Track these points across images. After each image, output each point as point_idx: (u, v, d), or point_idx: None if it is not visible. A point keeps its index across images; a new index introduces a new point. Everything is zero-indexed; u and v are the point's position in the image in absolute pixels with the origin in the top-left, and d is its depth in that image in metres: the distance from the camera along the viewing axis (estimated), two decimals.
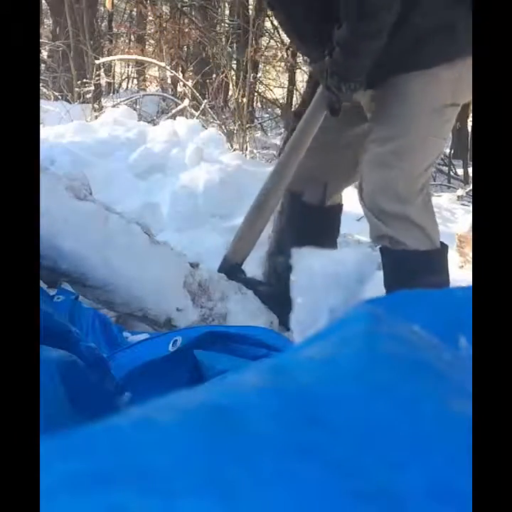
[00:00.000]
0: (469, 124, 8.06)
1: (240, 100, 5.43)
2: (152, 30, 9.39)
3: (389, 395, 0.26)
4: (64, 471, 0.21)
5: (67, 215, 1.43)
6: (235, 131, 5.35)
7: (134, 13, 10.56)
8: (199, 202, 2.68)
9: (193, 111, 5.09)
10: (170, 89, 8.35)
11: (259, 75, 7.96)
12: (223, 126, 5.42)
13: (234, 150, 4.35)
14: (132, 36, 10.15)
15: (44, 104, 5.14)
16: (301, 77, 7.56)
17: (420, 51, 1.51)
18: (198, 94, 5.45)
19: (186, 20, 8.40)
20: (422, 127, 1.57)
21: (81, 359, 0.93)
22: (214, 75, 6.59)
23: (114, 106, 5.18)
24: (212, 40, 6.69)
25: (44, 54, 8.00)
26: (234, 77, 6.23)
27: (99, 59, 5.80)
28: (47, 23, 9.45)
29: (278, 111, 8.08)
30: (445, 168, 7.30)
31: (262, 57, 7.52)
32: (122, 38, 10.42)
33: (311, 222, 1.86)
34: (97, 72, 5.69)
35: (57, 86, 6.88)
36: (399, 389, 0.27)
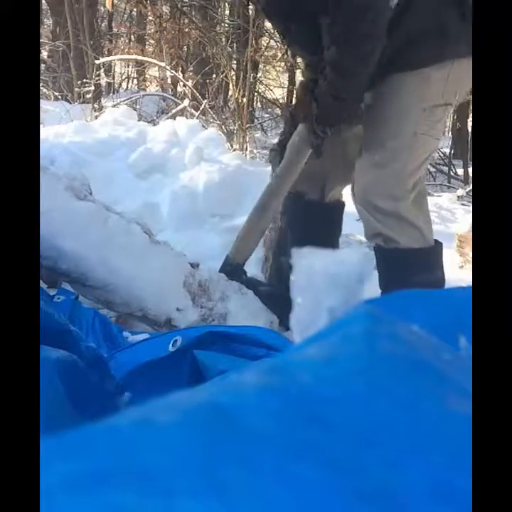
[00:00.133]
0: (469, 124, 8.06)
1: (239, 100, 5.43)
2: (152, 30, 9.39)
3: (389, 395, 0.26)
4: (64, 471, 0.21)
5: (67, 215, 1.43)
6: (235, 131, 5.35)
7: (134, 13, 10.57)
8: (199, 202, 2.68)
9: (193, 111, 5.09)
10: (170, 89, 8.35)
11: (259, 75, 7.97)
12: (223, 126, 5.43)
13: (234, 150, 4.35)
14: (132, 36, 10.16)
15: (44, 104, 5.14)
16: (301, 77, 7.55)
17: (412, 52, 1.53)
18: (198, 94, 5.45)
19: (186, 20, 8.41)
20: (413, 127, 1.59)
21: (81, 359, 0.93)
22: (214, 75, 6.60)
23: (114, 106, 5.18)
24: (212, 40, 6.69)
25: (44, 54, 8.00)
26: (234, 77, 6.23)
27: (99, 59, 5.80)
28: (47, 23, 9.46)
29: (278, 111, 8.08)
30: (445, 168, 7.30)
31: (262, 57, 7.53)
32: (122, 38, 10.43)
33: (313, 220, 1.88)
34: (97, 72, 5.69)
35: (57, 86, 6.88)
36: (399, 389, 0.27)
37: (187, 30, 8.08)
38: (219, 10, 8.39)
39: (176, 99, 6.10)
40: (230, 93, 6.75)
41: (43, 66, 7.13)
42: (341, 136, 1.69)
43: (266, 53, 7.81)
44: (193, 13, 8.49)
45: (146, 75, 9.50)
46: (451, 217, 4.12)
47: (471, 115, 7.22)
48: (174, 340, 1.10)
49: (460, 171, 7.22)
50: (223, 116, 6.03)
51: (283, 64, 8.20)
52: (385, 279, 1.66)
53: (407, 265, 1.64)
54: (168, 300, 1.54)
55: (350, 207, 2.00)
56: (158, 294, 1.52)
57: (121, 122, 3.62)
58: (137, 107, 6.23)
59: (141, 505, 0.20)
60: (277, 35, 6.96)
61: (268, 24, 6.92)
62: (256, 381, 0.27)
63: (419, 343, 0.31)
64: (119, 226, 1.50)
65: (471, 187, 4.80)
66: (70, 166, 2.38)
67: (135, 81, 10.16)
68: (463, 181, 6.70)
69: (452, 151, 7.88)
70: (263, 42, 7.58)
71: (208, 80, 6.44)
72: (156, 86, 9.12)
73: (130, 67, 10.55)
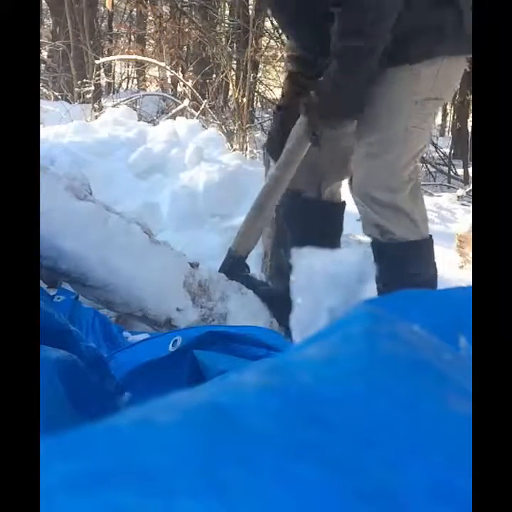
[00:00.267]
0: (469, 124, 8.06)
1: (239, 100, 5.43)
2: (152, 30, 9.39)
3: (389, 395, 0.26)
4: (64, 471, 0.21)
5: (67, 215, 1.43)
6: (235, 131, 5.35)
7: (134, 13, 10.57)
8: (199, 202, 2.68)
9: (193, 111, 5.09)
10: (170, 89, 8.35)
11: (259, 75, 7.97)
12: (223, 126, 5.43)
13: (234, 150, 4.35)
14: (132, 36, 10.16)
15: (44, 104, 5.14)
16: None
17: (407, 48, 1.57)
18: (198, 94, 5.45)
19: (186, 20, 8.41)
20: (405, 119, 1.63)
21: (81, 359, 0.93)
22: (214, 75, 6.60)
23: (114, 106, 5.18)
24: (212, 40, 6.69)
25: (44, 54, 8.00)
26: (234, 77, 6.23)
27: (99, 59, 5.80)
28: (47, 23, 9.46)
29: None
30: (445, 168, 7.30)
31: (262, 57, 7.52)
32: (122, 38, 10.43)
33: (311, 218, 1.89)
34: (97, 72, 5.69)
35: (57, 86, 6.88)
36: (399, 389, 0.27)
37: (187, 30, 8.08)
38: (219, 10, 8.39)
39: (176, 99, 6.10)
40: (230, 93, 6.75)
41: (43, 66, 7.13)
42: (339, 131, 1.70)
43: (266, 53, 7.81)
44: (193, 13, 8.49)
45: (146, 75, 9.50)
46: (451, 217, 4.12)
47: (471, 115, 7.22)
48: (174, 340, 1.10)
49: (460, 171, 7.22)
50: (223, 116, 6.03)
51: (283, 64, 8.19)
52: (380, 272, 1.68)
53: (402, 257, 1.67)
54: (168, 300, 1.54)
55: (350, 207, 2.00)
56: (158, 294, 1.52)
57: (121, 122, 3.62)
58: (137, 107, 6.23)
59: (141, 505, 0.20)
60: (277, 35, 6.97)
61: (268, 24, 6.93)
62: (256, 381, 0.27)
63: (419, 343, 0.31)
64: (119, 226, 1.50)
65: (471, 187, 4.80)
66: (70, 166, 2.38)
67: (135, 81, 10.16)
68: (463, 181, 6.70)
69: (452, 151, 7.88)
70: (263, 42, 7.58)
71: (208, 80, 6.44)
72: (156, 86, 9.12)
73: (130, 67, 10.55)
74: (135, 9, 10.03)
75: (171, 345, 1.10)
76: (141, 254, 1.51)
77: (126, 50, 9.12)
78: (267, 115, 8.58)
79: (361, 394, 0.26)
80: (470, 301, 0.37)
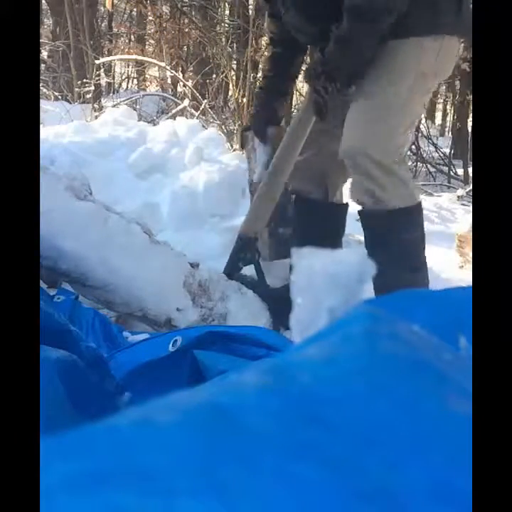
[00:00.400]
0: (469, 124, 8.06)
1: (239, 100, 5.43)
2: (152, 30, 9.39)
3: (389, 395, 0.26)
4: (64, 471, 0.21)
5: (67, 215, 1.43)
6: (235, 131, 5.35)
7: (134, 13, 10.57)
8: (199, 202, 2.67)
9: (193, 111, 5.09)
10: (170, 89, 8.35)
11: (259, 75, 7.96)
12: (223, 126, 5.42)
13: (234, 150, 4.34)
14: (132, 36, 10.16)
15: (44, 104, 5.14)
16: (301, 77, 7.55)
17: (411, 22, 1.62)
18: (198, 94, 5.45)
19: (186, 20, 8.41)
20: (407, 84, 1.67)
21: (81, 359, 0.93)
22: (214, 75, 6.59)
23: (114, 106, 5.18)
24: (212, 40, 6.69)
25: (44, 54, 8.00)
26: (234, 77, 6.22)
27: (99, 59, 5.80)
28: (47, 23, 9.46)
29: None
30: (445, 168, 7.30)
31: (262, 57, 7.52)
32: (122, 38, 10.43)
33: (319, 219, 1.91)
34: (97, 72, 5.69)
35: (57, 86, 6.88)
36: (399, 389, 0.27)
37: (187, 30, 8.08)
38: (219, 10, 8.39)
39: (176, 99, 6.10)
40: (230, 93, 6.75)
41: (43, 66, 7.13)
42: (342, 97, 1.71)
43: (266, 53, 7.80)
44: (193, 13, 8.49)
45: (146, 75, 9.50)
46: (451, 217, 4.12)
47: (471, 115, 7.22)
48: (174, 340, 1.10)
49: (460, 171, 7.22)
50: (223, 116, 6.03)
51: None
52: (371, 241, 1.70)
53: (395, 224, 1.69)
54: (168, 300, 1.54)
55: (349, 208, 2.00)
56: (158, 294, 1.52)
57: (121, 122, 3.61)
58: (137, 107, 6.23)
59: (141, 505, 0.20)
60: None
61: None
62: (256, 381, 0.27)
63: (419, 343, 0.31)
64: (119, 226, 1.50)
65: (471, 187, 4.80)
66: (70, 166, 2.38)
67: (135, 81, 10.16)
68: (463, 181, 6.70)
69: (452, 151, 7.88)
70: (263, 42, 7.57)
71: (208, 80, 6.44)
72: (156, 86, 9.12)
73: (130, 67, 10.55)
74: (135, 9, 10.03)
75: (171, 345, 1.10)
76: (141, 254, 1.51)
77: (126, 50, 9.12)
78: None
79: (361, 394, 0.26)
80: (470, 301, 0.37)
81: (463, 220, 3.73)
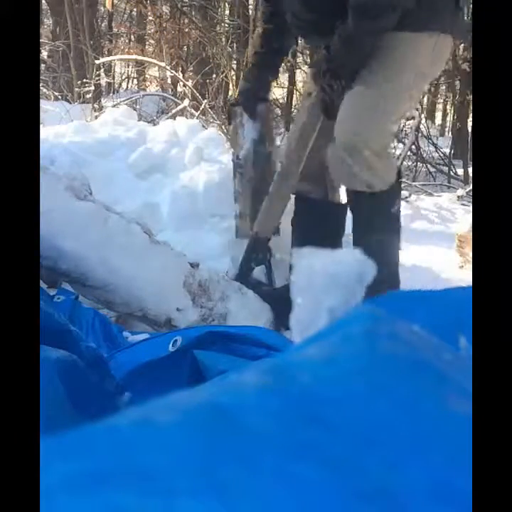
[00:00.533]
0: (469, 124, 8.05)
1: None
2: (152, 30, 9.40)
3: (389, 395, 0.26)
4: (64, 471, 0.21)
5: (67, 215, 1.43)
6: None
7: (134, 13, 10.57)
8: (199, 202, 2.67)
9: (193, 111, 5.09)
10: (170, 89, 8.35)
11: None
12: (223, 126, 5.42)
13: None
14: (132, 36, 10.16)
15: (44, 104, 5.14)
16: (301, 77, 7.57)
17: (407, 17, 1.63)
18: (198, 94, 5.45)
19: (186, 20, 8.41)
20: (402, 78, 1.70)
21: (81, 359, 0.93)
22: (214, 75, 6.59)
23: (114, 106, 5.17)
24: (212, 40, 6.69)
25: (44, 54, 8.00)
26: (234, 77, 6.23)
27: (99, 59, 5.80)
28: (47, 23, 9.46)
29: (278, 111, 8.07)
30: (445, 168, 7.30)
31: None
32: (122, 38, 10.43)
33: (319, 218, 1.91)
34: (97, 72, 5.69)
35: (57, 86, 6.88)
36: (399, 389, 0.27)
37: (187, 30, 8.08)
38: (219, 10, 8.39)
39: (176, 99, 6.10)
40: (230, 93, 6.75)
41: (43, 66, 7.13)
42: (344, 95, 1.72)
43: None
44: (193, 13, 8.49)
45: (146, 75, 9.50)
46: (451, 217, 4.12)
47: (471, 115, 7.22)
48: (174, 340, 1.10)
49: (460, 171, 7.22)
50: (223, 116, 6.02)
51: (283, 64, 8.17)
52: (359, 220, 1.76)
53: (384, 202, 1.75)
54: (168, 300, 1.54)
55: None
56: (158, 294, 1.52)
57: (121, 122, 3.61)
58: (137, 107, 6.22)
59: (141, 505, 0.20)
60: None
61: None
62: (256, 381, 0.27)
63: (419, 343, 0.31)
64: (119, 226, 1.50)
65: (471, 187, 4.80)
66: (70, 166, 2.38)
67: (135, 81, 10.16)
68: (463, 181, 6.69)
69: (452, 151, 7.88)
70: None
71: (208, 80, 6.44)
72: (156, 86, 9.12)
73: (130, 67, 10.55)
74: (135, 9, 10.03)
75: (171, 345, 1.10)
76: (141, 254, 1.51)
77: (126, 50, 9.12)
78: None
79: (361, 394, 0.26)
80: (470, 301, 0.37)
81: (463, 220, 3.73)
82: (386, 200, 1.75)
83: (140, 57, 7.07)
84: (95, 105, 5.79)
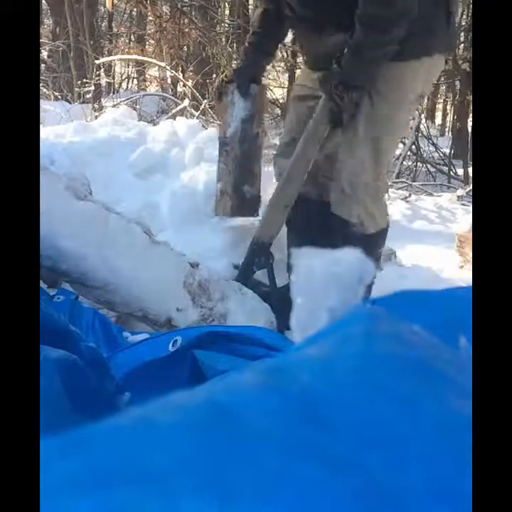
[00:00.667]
0: (469, 124, 8.06)
1: None
2: (152, 30, 9.39)
3: (389, 395, 0.26)
4: (64, 471, 0.21)
5: (67, 215, 1.43)
6: None
7: (134, 13, 10.57)
8: (199, 202, 2.67)
9: (193, 111, 5.09)
10: (170, 89, 8.35)
11: None
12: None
13: None
14: (132, 36, 10.16)
15: (44, 104, 5.15)
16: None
17: (404, 45, 1.63)
18: (198, 94, 5.45)
19: (186, 20, 8.41)
20: (404, 108, 1.73)
21: (81, 359, 0.92)
22: (214, 75, 6.60)
23: (114, 106, 5.18)
24: (212, 40, 6.69)
25: (44, 54, 8.00)
26: None
27: (99, 59, 5.80)
28: (47, 23, 9.47)
29: (278, 111, 8.08)
30: (445, 168, 7.30)
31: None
32: (122, 38, 10.43)
33: (317, 220, 1.91)
34: (97, 72, 5.69)
35: (57, 86, 6.88)
36: (399, 389, 0.27)
37: (187, 30, 8.08)
38: (219, 10, 8.39)
39: (176, 99, 6.10)
40: None
41: (43, 66, 7.13)
42: (353, 111, 1.74)
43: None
44: (193, 13, 8.49)
45: (146, 75, 9.50)
46: (451, 217, 4.12)
47: (471, 115, 7.22)
48: (174, 340, 1.10)
49: (460, 171, 7.22)
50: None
51: (283, 64, 8.20)
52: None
53: (373, 243, 1.82)
54: (168, 300, 1.54)
55: None
56: (158, 294, 1.52)
57: (121, 122, 3.61)
58: (137, 107, 6.22)
59: (141, 505, 0.20)
60: None
61: None
62: (256, 381, 0.27)
63: (419, 343, 0.31)
64: (119, 226, 1.50)
65: (471, 187, 4.80)
66: (70, 166, 2.38)
67: (135, 81, 10.16)
68: (463, 181, 6.70)
69: (452, 151, 7.88)
70: None
71: (208, 80, 6.44)
72: (156, 86, 9.12)
73: (130, 67, 10.55)
74: (135, 9, 10.03)
75: (171, 345, 1.10)
76: (141, 254, 1.51)
77: (126, 50, 9.13)
78: (267, 115, 8.58)
79: (361, 394, 0.26)
80: (470, 301, 0.37)
81: (463, 220, 3.73)
82: (375, 242, 1.83)
83: (140, 57, 7.08)
84: (95, 105, 5.79)
